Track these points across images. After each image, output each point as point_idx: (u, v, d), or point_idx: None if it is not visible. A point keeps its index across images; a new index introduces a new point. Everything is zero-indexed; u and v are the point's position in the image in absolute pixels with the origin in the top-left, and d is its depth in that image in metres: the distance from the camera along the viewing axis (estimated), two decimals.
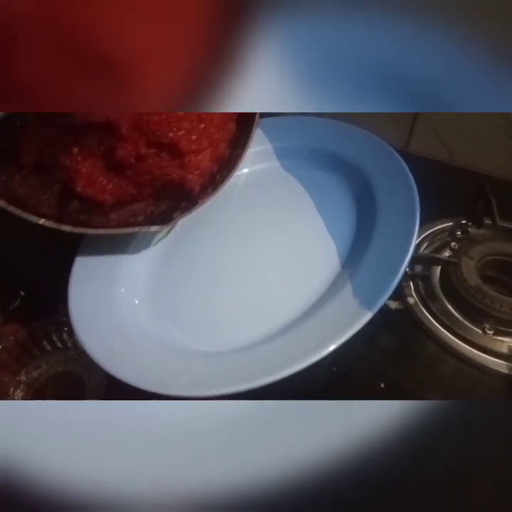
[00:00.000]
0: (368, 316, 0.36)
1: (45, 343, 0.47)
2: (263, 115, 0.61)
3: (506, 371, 0.39)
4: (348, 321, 0.36)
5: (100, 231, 0.43)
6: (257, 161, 0.59)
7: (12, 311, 0.49)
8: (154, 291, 0.46)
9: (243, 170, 0.58)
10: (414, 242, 0.40)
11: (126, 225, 0.44)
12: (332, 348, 0.34)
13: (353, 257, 0.44)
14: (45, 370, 0.46)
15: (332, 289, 0.41)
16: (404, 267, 0.38)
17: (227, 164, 0.50)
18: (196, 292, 0.46)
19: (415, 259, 0.45)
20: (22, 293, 0.50)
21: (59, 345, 0.47)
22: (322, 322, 0.38)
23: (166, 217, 0.45)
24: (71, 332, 0.40)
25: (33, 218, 0.40)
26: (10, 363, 0.45)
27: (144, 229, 0.44)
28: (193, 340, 0.41)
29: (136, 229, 0.44)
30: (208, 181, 0.47)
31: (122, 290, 0.45)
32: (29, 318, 0.46)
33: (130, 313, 0.43)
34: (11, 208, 0.40)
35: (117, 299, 0.44)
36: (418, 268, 0.46)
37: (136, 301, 0.45)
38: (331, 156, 0.56)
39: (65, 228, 0.41)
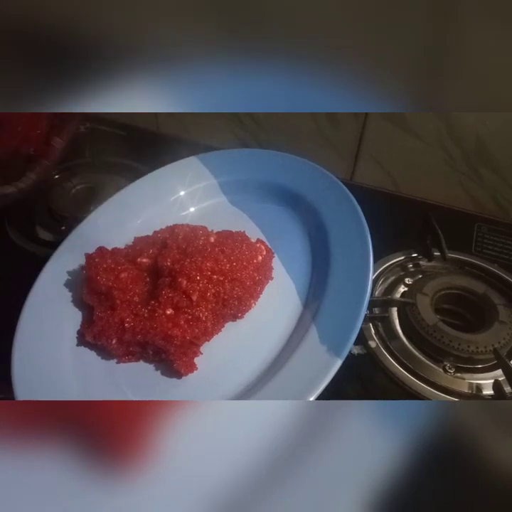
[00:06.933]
0: (338, 363, 0.35)
1: None
2: (203, 150, 0.59)
3: None
4: (320, 370, 0.34)
5: None
6: (203, 198, 0.57)
7: None
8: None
9: (190, 209, 0.56)
10: (371, 281, 0.39)
11: None
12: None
13: (313, 296, 0.43)
14: None
15: (298, 334, 0.40)
16: (364, 307, 0.37)
17: None
18: None
19: (372, 303, 0.45)
20: None
21: None
22: (294, 374, 0.36)
23: None
24: None
25: None
26: None
27: None
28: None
29: None
30: None
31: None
32: None
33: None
34: None
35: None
36: (376, 310, 0.45)
37: None
38: (278, 188, 0.55)
39: None
